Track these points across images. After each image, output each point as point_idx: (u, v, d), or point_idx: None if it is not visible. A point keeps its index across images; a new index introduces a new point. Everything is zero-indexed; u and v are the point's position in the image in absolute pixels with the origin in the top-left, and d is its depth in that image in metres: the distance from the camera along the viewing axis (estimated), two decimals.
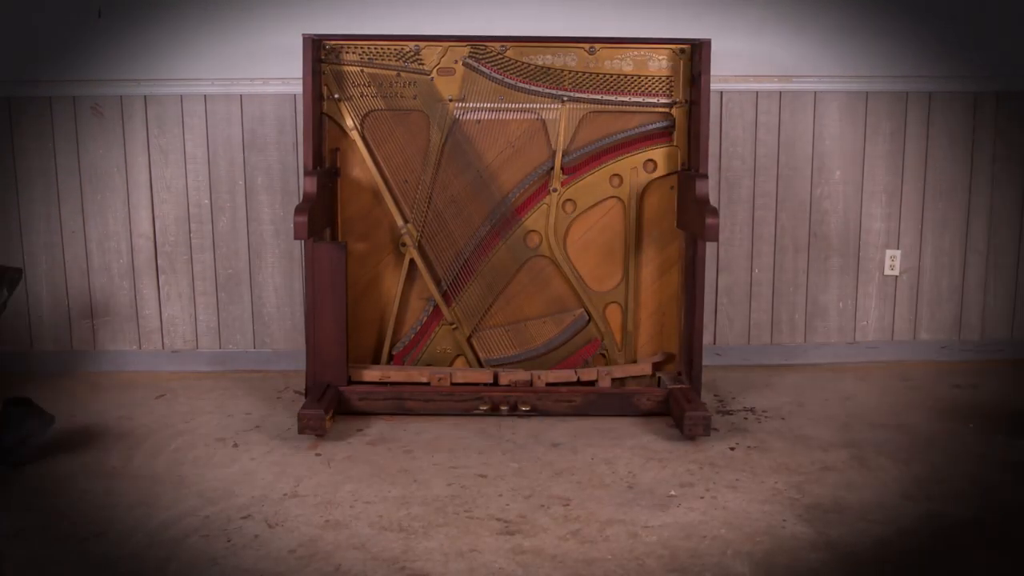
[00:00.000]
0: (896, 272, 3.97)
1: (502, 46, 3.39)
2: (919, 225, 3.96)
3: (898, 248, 3.97)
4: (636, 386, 3.47)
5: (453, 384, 3.42)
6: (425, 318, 3.54)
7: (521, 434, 3.18)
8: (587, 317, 3.54)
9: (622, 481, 2.80)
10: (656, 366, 3.52)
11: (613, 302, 3.55)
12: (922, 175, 3.93)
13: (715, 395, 3.59)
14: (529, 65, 3.40)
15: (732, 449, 3.06)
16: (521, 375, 3.44)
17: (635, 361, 3.55)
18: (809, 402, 3.53)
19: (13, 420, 2.88)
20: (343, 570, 2.28)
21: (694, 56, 3.34)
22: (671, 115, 3.44)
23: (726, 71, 3.74)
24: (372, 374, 3.45)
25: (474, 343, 3.55)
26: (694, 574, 2.27)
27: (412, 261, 3.49)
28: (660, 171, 3.47)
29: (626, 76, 3.41)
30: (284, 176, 3.82)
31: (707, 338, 3.84)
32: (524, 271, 3.52)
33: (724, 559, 2.34)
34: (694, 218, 3.21)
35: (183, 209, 3.83)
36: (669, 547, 2.39)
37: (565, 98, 3.41)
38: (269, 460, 2.97)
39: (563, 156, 3.44)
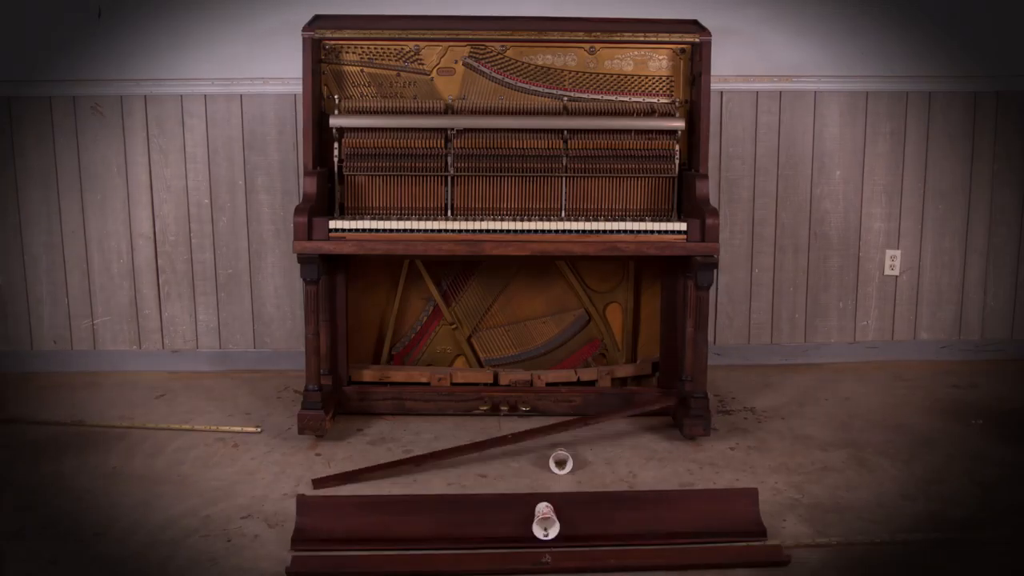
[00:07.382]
0: (896, 272, 3.97)
1: (502, 46, 3.38)
2: (919, 225, 3.96)
3: (898, 248, 3.96)
4: (636, 386, 3.47)
5: (453, 384, 3.42)
6: (425, 318, 3.54)
7: None
8: (587, 317, 3.54)
9: (622, 481, 2.80)
10: (656, 366, 3.51)
11: (613, 302, 3.54)
12: (922, 175, 3.93)
13: (715, 395, 3.59)
14: (529, 65, 3.39)
15: (732, 449, 3.06)
16: (521, 375, 3.44)
17: (635, 361, 3.55)
18: (809, 402, 3.53)
19: None
20: None
21: (694, 56, 3.34)
22: None
23: (726, 71, 3.74)
24: (372, 374, 3.45)
25: (474, 343, 3.55)
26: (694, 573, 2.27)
27: (412, 261, 3.49)
28: None
29: (626, 76, 3.41)
30: (284, 176, 3.82)
31: None
32: (524, 271, 3.52)
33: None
34: (694, 218, 3.21)
35: (183, 209, 3.83)
36: None
37: (565, 98, 3.41)
38: (269, 460, 2.97)
39: None
